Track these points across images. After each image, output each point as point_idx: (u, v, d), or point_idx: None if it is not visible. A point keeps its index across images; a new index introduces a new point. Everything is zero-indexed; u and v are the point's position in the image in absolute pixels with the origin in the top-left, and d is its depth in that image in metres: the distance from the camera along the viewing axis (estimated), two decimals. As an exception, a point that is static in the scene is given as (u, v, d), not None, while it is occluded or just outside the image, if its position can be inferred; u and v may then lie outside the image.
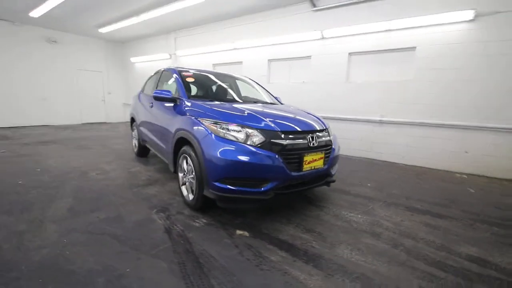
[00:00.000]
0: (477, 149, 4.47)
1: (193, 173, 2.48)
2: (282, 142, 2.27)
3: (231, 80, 3.93)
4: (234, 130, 2.26)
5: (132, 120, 4.95)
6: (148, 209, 2.63)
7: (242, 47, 7.17)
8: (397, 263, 1.90)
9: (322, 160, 2.53)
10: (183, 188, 2.80)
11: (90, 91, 10.20)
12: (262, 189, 2.22)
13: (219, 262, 1.81)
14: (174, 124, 2.89)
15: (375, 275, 1.75)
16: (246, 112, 2.52)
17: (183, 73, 3.43)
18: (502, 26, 4.07)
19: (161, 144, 3.36)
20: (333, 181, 2.83)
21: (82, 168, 3.95)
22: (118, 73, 11.03)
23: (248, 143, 2.21)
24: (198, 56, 8.33)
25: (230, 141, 2.20)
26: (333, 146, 2.73)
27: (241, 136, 2.23)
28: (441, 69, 4.64)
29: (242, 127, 2.26)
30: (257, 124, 2.30)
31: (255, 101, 3.46)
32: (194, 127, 2.44)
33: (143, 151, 4.73)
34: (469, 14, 4.23)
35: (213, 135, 2.26)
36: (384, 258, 1.96)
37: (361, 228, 2.42)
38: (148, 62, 9.96)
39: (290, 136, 2.34)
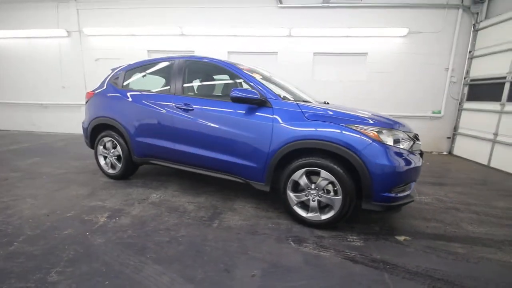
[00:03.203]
0: (407, 132, 6.13)
1: (327, 189, 2.20)
2: (419, 143, 2.39)
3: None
4: (393, 136, 2.14)
5: (101, 128, 3.40)
6: (279, 244, 2.07)
7: (193, 34, 6.23)
8: (505, 225, 2.51)
9: (417, 155, 2.83)
10: (296, 209, 2.36)
11: None
12: (409, 191, 2.28)
13: (452, 273, 1.77)
14: (274, 133, 2.33)
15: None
16: (371, 115, 2.39)
17: (242, 68, 2.74)
18: (422, 43, 5.69)
19: (229, 159, 2.58)
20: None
21: (65, 215, 2.41)
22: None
23: (403, 147, 2.18)
24: (123, 38, 6.48)
25: (394, 148, 2.09)
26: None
27: (395, 141, 2.15)
28: (384, 72, 5.95)
29: (401, 132, 2.21)
30: (401, 127, 2.28)
31: (325, 102, 3.26)
32: (346, 136, 2.10)
33: (131, 171, 3.40)
34: (404, 31, 5.63)
35: (376, 143, 2.05)
36: (492, 223, 2.53)
37: (443, 206, 2.94)
38: (26, 39, 6.74)
39: (415, 136, 2.48)
